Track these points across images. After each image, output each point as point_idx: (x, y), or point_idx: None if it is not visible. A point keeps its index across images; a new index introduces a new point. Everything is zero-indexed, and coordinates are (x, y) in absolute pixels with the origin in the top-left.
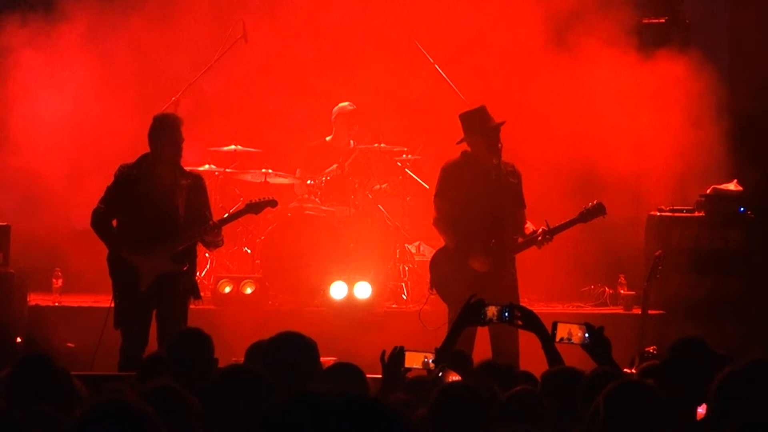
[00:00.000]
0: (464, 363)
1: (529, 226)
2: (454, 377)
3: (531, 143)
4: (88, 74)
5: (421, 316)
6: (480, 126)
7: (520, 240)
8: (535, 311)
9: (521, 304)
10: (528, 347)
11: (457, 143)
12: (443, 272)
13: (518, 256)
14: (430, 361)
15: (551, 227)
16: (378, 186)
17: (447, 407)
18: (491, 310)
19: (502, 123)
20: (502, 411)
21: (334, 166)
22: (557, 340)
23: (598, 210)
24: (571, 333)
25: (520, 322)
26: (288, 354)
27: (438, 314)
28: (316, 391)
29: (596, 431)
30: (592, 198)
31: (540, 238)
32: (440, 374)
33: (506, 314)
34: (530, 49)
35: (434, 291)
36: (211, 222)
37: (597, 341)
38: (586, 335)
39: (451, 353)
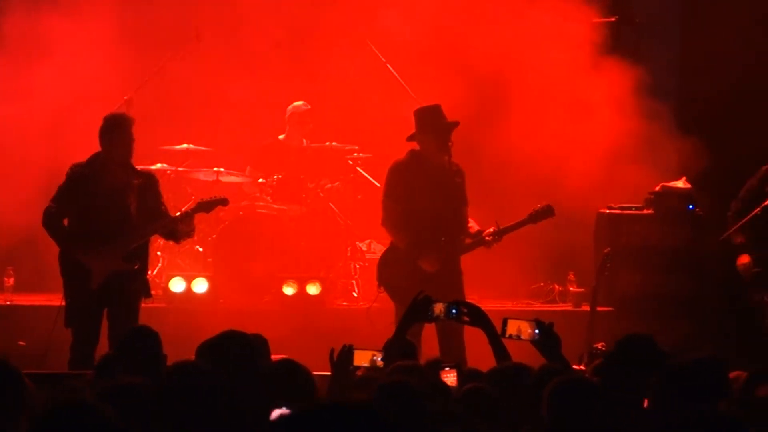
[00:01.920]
0: (413, 357)
1: (473, 225)
2: (450, 376)
3: (483, 143)
4: (39, 74)
5: (370, 314)
6: (434, 123)
7: (468, 241)
8: (485, 308)
9: (468, 301)
10: (476, 343)
11: (408, 138)
12: (392, 271)
13: (471, 254)
14: (379, 359)
15: (501, 228)
16: (329, 184)
17: (385, 404)
18: (438, 307)
19: (457, 123)
20: (455, 408)
21: (279, 176)
22: (507, 336)
23: (547, 212)
24: (521, 329)
25: (467, 318)
26: (232, 352)
27: (387, 312)
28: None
29: (543, 427)
30: (543, 197)
31: (489, 238)
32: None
33: (453, 311)
34: (483, 50)
35: (382, 289)
36: (179, 213)
37: (547, 337)
38: (536, 331)
39: (399, 349)
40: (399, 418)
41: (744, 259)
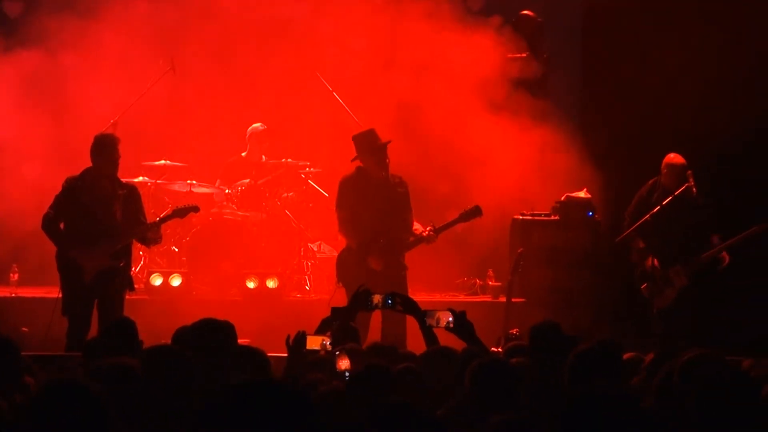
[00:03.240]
0: (355, 338)
1: (418, 227)
2: (344, 362)
3: (416, 160)
4: (44, 100)
5: (331, 305)
6: (369, 145)
7: (411, 239)
8: (417, 299)
9: (408, 294)
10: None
11: (351, 160)
12: (347, 269)
13: (407, 253)
14: (327, 343)
15: (437, 227)
16: (285, 194)
17: (366, 381)
18: (377, 298)
19: (389, 142)
20: (391, 384)
21: (246, 180)
22: (429, 325)
23: (475, 212)
24: (440, 318)
25: (400, 308)
26: (207, 337)
27: (343, 303)
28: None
29: (465, 401)
30: (468, 204)
31: (428, 236)
32: (336, 354)
33: (389, 301)
34: (411, 80)
35: (341, 284)
36: (146, 223)
37: (461, 323)
38: (450, 319)
39: (345, 333)
40: (373, 393)
41: (650, 263)
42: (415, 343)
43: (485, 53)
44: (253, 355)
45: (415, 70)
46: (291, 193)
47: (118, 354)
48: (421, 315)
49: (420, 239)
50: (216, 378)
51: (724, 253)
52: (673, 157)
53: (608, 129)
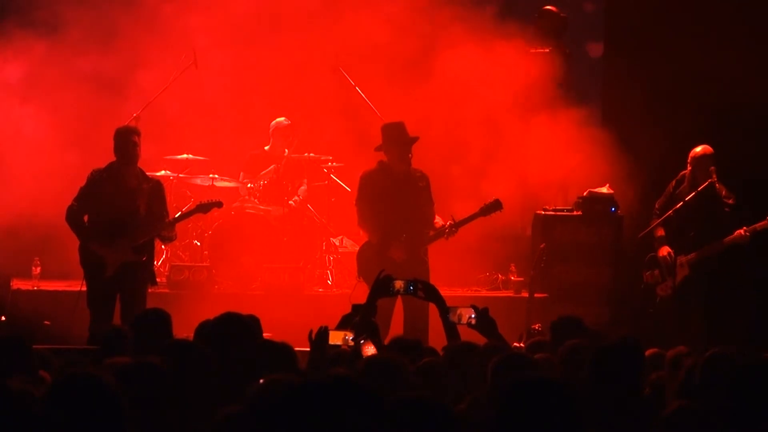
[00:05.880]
0: (375, 333)
1: (438, 221)
2: (370, 348)
3: (438, 153)
4: (68, 96)
5: (352, 300)
6: (396, 137)
7: (431, 233)
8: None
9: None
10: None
11: (376, 149)
12: (368, 263)
13: (430, 247)
14: (350, 338)
15: (456, 221)
16: (301, 188)
17: (373, 376)
18: (399, 284)
19: (416, 138)
20: (411, 379)
21: (272, 166)
22: (453, 321)
23: (496, 205)
24: (462, 314)
25: (422, 294)
26: (231, 330)
27: (364, 299)
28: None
29: (486, 396)
30: (490, 198)
31: (447, 230)
32: (360, 342)
33: (411, 287)
34: (435, 74)
35: (361, 279)
36: (167, 219)
37: (484, 320)
38: (472, 315)
39: (367, 314)
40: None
41: (664, 251)
42: (437, 338)
43: (506, 48)
44: (281, 349)
45: (438, 65)
46: (304, 188)
47: (149, 348)
48: (443, 303)
49: (439, 233)
50: (242, 372)
51: (744, 233)
52: (699, 150)
53: (633, 123)
